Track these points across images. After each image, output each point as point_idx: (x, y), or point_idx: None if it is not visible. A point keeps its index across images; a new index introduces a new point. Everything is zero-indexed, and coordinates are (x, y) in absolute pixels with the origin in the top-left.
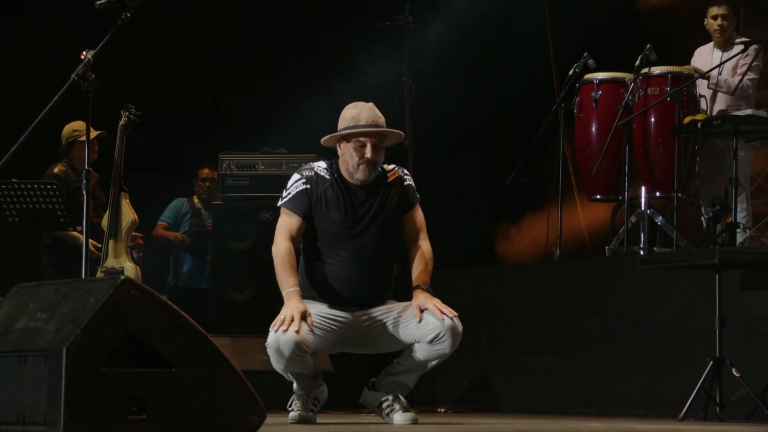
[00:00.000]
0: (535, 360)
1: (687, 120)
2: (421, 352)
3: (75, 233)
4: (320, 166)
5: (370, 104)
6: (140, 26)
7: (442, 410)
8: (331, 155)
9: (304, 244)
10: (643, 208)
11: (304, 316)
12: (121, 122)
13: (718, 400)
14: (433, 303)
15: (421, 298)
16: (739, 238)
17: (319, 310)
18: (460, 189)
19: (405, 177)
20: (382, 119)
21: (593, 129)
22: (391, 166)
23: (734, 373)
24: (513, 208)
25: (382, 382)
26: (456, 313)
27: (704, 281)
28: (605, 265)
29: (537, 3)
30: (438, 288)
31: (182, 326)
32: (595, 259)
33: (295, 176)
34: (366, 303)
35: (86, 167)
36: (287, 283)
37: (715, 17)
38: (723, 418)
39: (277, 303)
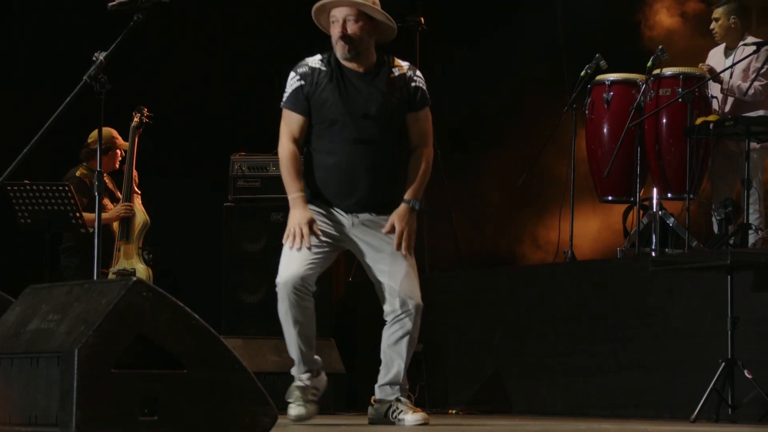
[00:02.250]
0: (547, 361)
1: (699, 121)
2: (385, 336)
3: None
4: (315, 59)
5: None
6: (153, 25)
7: (454, 412)
8: None
9: (310, 143)
10: (654, 210)
11: (310, 226)
12: (133, 123)
13: (730, 402)
14: (400, 229)
15: (396, 216)
16: (751, 239)
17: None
18: (472, 189)
19: (415, 77)
20: None
21: (605, 130)
22: (405, 63)
23: (746, 374)
24: (525, 209)
25: (379, 394)
26: (406, 252)
27: (716, 282)
28: (617, 267)
29: (548, 2)
30: (450, 288)
31: (194, 327)
32: (606, 261)
33: (291, 74)
34: (367, 199)
35: (98, 168)
36: (292, 187)
37: (711, 20)
38: (735, 419)
39: None
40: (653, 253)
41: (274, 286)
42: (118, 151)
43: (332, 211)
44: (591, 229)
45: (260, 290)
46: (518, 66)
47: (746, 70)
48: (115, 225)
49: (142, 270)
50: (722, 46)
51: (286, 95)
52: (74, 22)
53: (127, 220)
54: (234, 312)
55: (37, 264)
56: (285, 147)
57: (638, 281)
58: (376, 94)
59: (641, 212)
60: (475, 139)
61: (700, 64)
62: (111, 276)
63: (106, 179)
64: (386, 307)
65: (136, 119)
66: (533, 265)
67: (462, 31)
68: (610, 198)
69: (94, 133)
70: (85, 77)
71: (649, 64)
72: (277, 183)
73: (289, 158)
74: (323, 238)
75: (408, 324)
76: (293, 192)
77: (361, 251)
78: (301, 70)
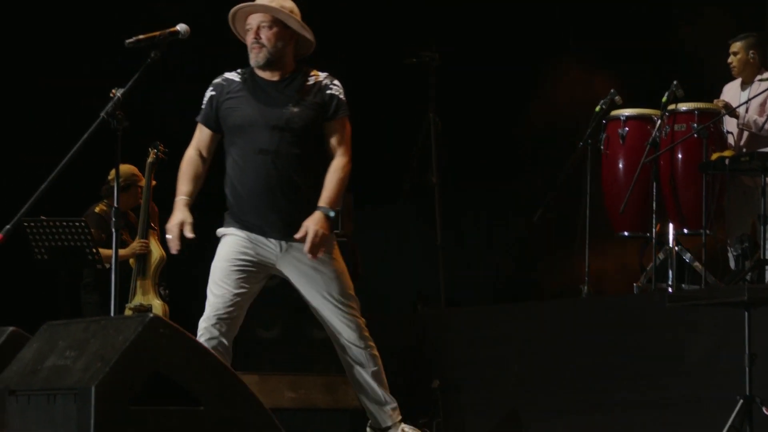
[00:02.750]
0: (563, 397)
1: (714, 156)
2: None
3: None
4: (234, 71)
5: None
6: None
7: None
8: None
9: (226, 159)
10: (671, 245)
11: (180, 229)
12: (149, 159)
13: None
14: (311, 233)
15: (309, 221)
16: None
17: (228, 251)
18: (488, 225)
19: (331, 85)
20: (276, 2)
21: (620, 165)
22: (323, 73)
23: (765, 412)
24: (540, 245)
25: (371, 420)
26: (314, 255)
27: (733, 319)
28: (633, 303)
29: (562, 37)
30: (467, 324)
31: (210, 364)
32: (622, 297)
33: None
34: (285, 219)
35: (115, 204)
36: (179, 190)
37: (729, 54)
38: None
39: (306, 340)
40: (670, 289)
41: (290, 321)
42: (140, 188)
43: (255, 237)
44: (607, 264)
45: (275, 325)
46: (532, 100)
47: (763, 104)
48: (132, 261)
49: (158, 306)
50: (738, 81)
51: (201, 108)
52: (93, 58)
53: (143, 256)
54: (249, 347)
55: (54, 300)
56: (186, 153)
57: (655, 317)
58: (288, 101)
59: (657, 248)
60: (491, 173)
61: (715, 101)
62: (128, 312)
63: (129, 215)
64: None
65: (152, 155)
66: (549, 301)
67: (478, 66)
68: (626, 233)
69: (128, 172)
70: (102, 114)
71: (664, 99)
72: None
73: (185, 161)
74: (238, 270)
75: (359, 360)
76: (178, 195)
77: (293, 283)
78: (216, 81)
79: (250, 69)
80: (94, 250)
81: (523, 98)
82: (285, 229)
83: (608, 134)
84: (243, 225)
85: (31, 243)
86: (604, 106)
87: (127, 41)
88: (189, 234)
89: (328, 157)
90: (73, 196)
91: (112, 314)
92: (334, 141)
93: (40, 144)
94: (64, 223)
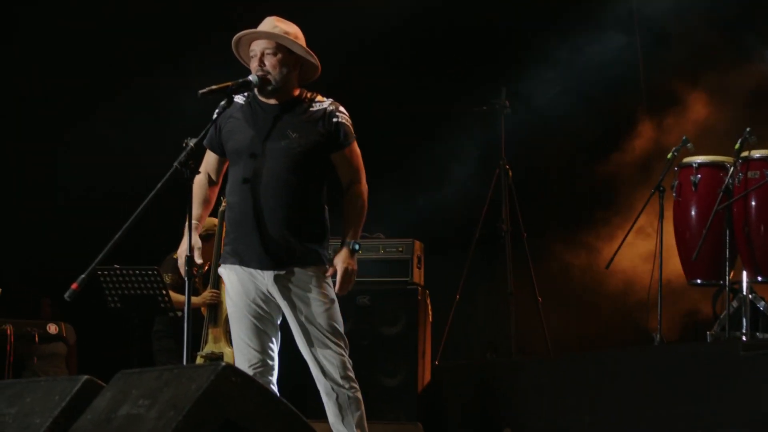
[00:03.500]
0: None
1: None
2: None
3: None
4: (241, 96)
5: (271, 17)
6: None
7: None
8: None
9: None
10: (744, 293)
11: (190, 256)
12: (221, 208)
13: None
14: (341, 270)
15: (338, 258)
16: None
17: (238, 298)
18: (559, 273)
19: (337, 113)
20: (281, 29)
21: (693, 213)
22: (328, 99)
23: None
24: (612, 292)
25: None
26: (343, 293)
27: None
28: (707, 351)
29: (632, 84)
30: (538, 373)
31: (283, 412)
32: (696, 345)
33: None
34: (277, 246)
35: (187, 254)
36: (193, 214)
37: None
38: None
39: (370, 387)
40: (744, 338)
41: (360, 368)
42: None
43: (245, 270)
44: (680, 312)
45: None
46: (602, 145)
47: None
48: (204, 309)
49: (229, 354)
50: None
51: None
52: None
53: (215, 305)
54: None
55: (127, 348)
56: (196, 177)
57: (729, 366)
58: (288, 126)
59: (731, 295)
60: (562, 221)
61: None
62: (199, 360)
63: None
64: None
65: (224, 204)
66: (621, 349)
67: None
68: (698, 281)
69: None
70: (175, 164)
71: (737, 146)
72: (363, 266)
73: (195, 185)
74: (255, 318)
75: (340, 402)
76: (193, 219)
77: (280, 312)
78: (222, 103)
79: (252, 94)
80: (167, 298)
81: (595, 145)
82: (275, 259)
83: (680, 181)
84: (238, 258)
85: (104, 291)
86: (676, 153)
87: (200, 91)
88: (198, 260)
89: (341, 183)
90: (145, 246)
91: (184, 362)
92: (346, 170)
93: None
94: (137, 272)
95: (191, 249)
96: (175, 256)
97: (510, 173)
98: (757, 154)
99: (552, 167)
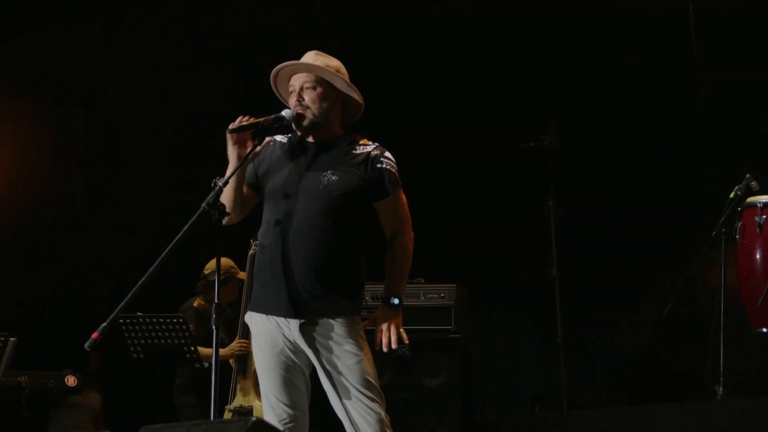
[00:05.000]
0: None
1: None
2: None
3: (209, 350)
4: (285, 134)
5: (312, 52)
6: None
7: None
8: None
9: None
10: None
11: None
12: (251, 252)
13: None
14: (387, 334)
15: (383, 321)
16: None
17: (265, 350)
18: (612, 321)
19: (382, 158)
20: (321, 61)
21: (758, 256)
22: (373, 143)
23: None
24: (670, 342)
25: None
26: (395, 345)
27: None
28: None
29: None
30: (590, 428)
31: None
32: (762, 399)
33: None
34: (308, 294)
35: (216, 301)
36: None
37: None
38: None
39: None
40: None
41: (396, 419)
42: (238, 281)
43: (272, 319)
44: (744, 364)
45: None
46: (661, 186)
47: None
48: (232, 360)
49: (259, 407)
50: None
51: None
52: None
53: (243, 355)
54: None
55: (150, 401)
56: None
57: None
58: (327, 167)
59: None
60: (616, 266)
61: None
62: (227, 414)
63: (226, 311)
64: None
65: (253, 248)
66: (681, 403)
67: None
68: (764, 329)
69: (211, 264)
70: (203, 205)
71: None
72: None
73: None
74: (284, 370)
75: None
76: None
77: (311, 364)
78: (266, 139)
79: (294, 130)
80: (193, 348)
81: (651, 184)
82: (302, 308)
83: (744, 222)
84: (264, 305)
85: (126, 341)
86: (739, 192)
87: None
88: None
89: (384, 233)
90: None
91: (212, 417)
92: (390, 219)
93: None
94: (161, 320)
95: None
96: (196, 305)
97: (560, 213)
98: None
99: (606, 207)
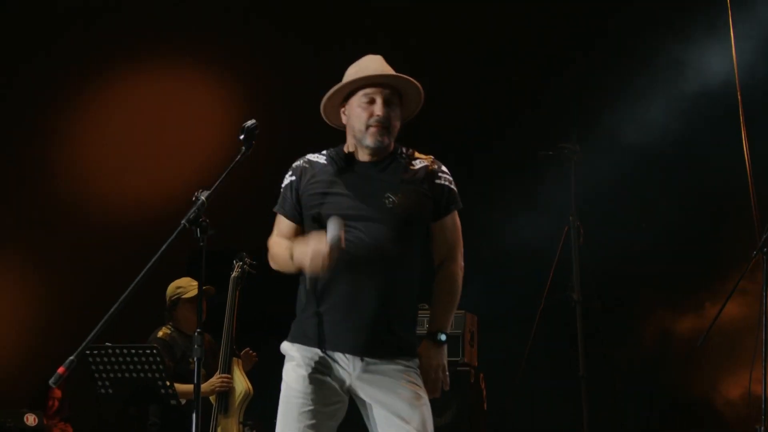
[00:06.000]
0: None
1: None
2: None
3: (185, 386)
4: (318, 153)
5: (378, 56)
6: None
7: None
8: None
9: None
10: None
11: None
12: (234, 274)
13: None
14: (435, 376)
15: (428, 361)
16: None
17: (298, 388)
18: (639, 351)
19: (440, 173)
20: (392, 71)
21: None
22: (428, 156)
23: None
24: (707, 373)
25: None
26: (435, 393)
27: None
28: None
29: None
30: None
31: None
32: None
33: (288, 171)
34: (372, 335)
35: (198, 330)
36: (288, 252)
37: None
38: None
39: None
40: None
41: None
42: (199, 300)
43: (326, 354)
44: None
45: None
46: (690, 199)
47: None
48: (212, 396)
49: None
50: None
51: (280, 196)
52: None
53: (225, 392)
54: None
55: None
56: (272, 241)
57: None
58: (387, 188)
59: None
60: (643, 292)
61: None
62: None
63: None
64: None
65: (237, 270)
66: None
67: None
68: None
69: (170, 287)
70: (183, 221)
71: None
72: None
73: (276, 241)
74: (318, 403)
75: None
76: (291, 251)
77: (366, 408)
78: (296, 163)
79: (338, 149)
80: (168, 383)
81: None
82: (368, 344)
83: None
84: (312, 339)
85: (93, 374)
86: None
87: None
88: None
89: (434, 262)
90: (136, 321)
91: None
92: (443, 243)
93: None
94: (133, 351)
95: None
96: (161, 335)
97: (581, 230)
98: None
99: (628, 224)
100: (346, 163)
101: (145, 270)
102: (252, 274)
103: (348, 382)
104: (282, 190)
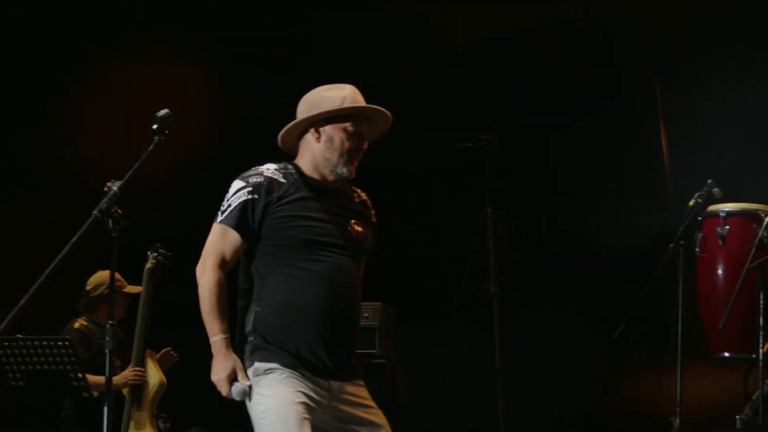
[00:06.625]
0: None
1: None
2: None
3: (98, 378)
4: (269, 168)
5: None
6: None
7: None
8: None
9: (258, 274)
10: None
11: (233, 379)
12: (148, 265)
13: None
14: None
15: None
16: None
17: (292, 382)
18: (557, 345)
19: (373, 210)
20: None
21: (720, 272)
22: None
23: None
24: (622, 368)
25: None
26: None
27: None
28: None
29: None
30: None
31: None
32: (723, 431)
33: (238, 184)
34: (347, 356)
35: (110, 321)
36: (216, 327)
37: None
38: None
39: None
40: None
41: None
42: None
43: (308, 376)
44: (703, 392)
45: None
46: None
47: None
48: (125, 389)
49: None
50: None
51: (229, 209)
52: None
53: (139, 385)
54: None
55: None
56: (210, 274)
57: None
58: (351, 215)
59: (765, 372)
60: (562, 282)
61: None
62: None
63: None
64: None
65: (151, 261)
66: None
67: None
68: (726, 354)
69: (94, 279)
70: (95, 212)
71: None
72: None
73: (212, 285)
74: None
75: None
76: (216, 333)
77: (342, 428)
78: (253, 179)
79: (294, 169)
80: (80, 375)
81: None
82: (344, 368)
83: (705, 234)
84: (291, 360)
85: (4, 366)
86: (699, 200)
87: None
88: (247, 382)
89: None
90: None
91: None
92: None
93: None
94: (44, 343)
95: (232, 372)
96: (77, 326)
97: (499, 223)
98: None
99: (551, 215)
100: (309, 185)
101: (55, 261)
102: (166, 265)
103: (322, 408)
104: (235, 204)
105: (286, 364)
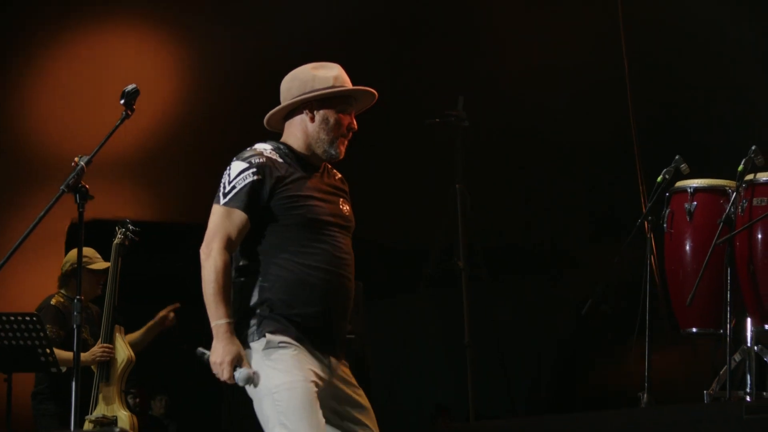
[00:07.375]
0: None
1: None
2: None
3: (68, 354)
4: (266, 148)
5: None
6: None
7: None
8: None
9: (263, 252)
10: (749, 344)
11: (237, 364)
12: (116, 241)
13: None
14: None
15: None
16: None
17: (298, 363)
18: (526, 320)
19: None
20: None
21: (687, 247)
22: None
23: None
24: (590, 344)
25: None
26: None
27: None
28: (704, 413)
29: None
30: None
31: None
32: (691, 406)
33: (240, 165)
34: (344, 334)
35: (78, 296)
36: (221, 311)
37: None
38: None
39: None
40: (748, 398)
41: None
42: (94, 273)
43: (315, 352)
44: (671, 367)
45: None
46: (580, 167)
47: None
48: (94, 365)
49: (124, 417)
50: None
51: (234, 191)
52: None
53: (107, 361)
54: None
55: (6, 411)
56: (217, 257)
57: (730, 431)
58: (340, 194)
59: (733, 348)
60: (530, 258)
61: None
62: (88, 426)
63: (89, 307)
64: None
65: (119, 237)
66: (602, 411)
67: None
68: (694, 330)
69: (70, 255)
70: (62, 187)
71: (740, 168)
72: None
73: (222, 272)
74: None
75: None
76: (220, 317)
77: (336, 409)
78: (256, 160)
79: (287, 149)
80: (48, 351)
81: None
82: (341, 345)
83: (672, 209)
84: (299, 334)
85: None
86: (667, 176)
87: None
88: (250, 370)
89: None
90: (20, 287)
91: (72, 428)
92: None
93: None
94: (12, 318)
95: (236, 356)
96: (54, 302)
97: (469, 198)
98: (763, 177)
99: (520, 191)
100: (303, 166)
101: (22, 237)
102: (135, 241)
103: (328, 381)
104: (240, 186)
105: (295, 338)
